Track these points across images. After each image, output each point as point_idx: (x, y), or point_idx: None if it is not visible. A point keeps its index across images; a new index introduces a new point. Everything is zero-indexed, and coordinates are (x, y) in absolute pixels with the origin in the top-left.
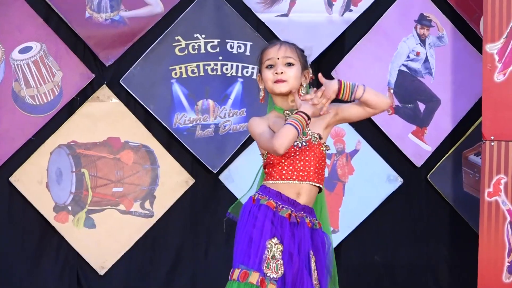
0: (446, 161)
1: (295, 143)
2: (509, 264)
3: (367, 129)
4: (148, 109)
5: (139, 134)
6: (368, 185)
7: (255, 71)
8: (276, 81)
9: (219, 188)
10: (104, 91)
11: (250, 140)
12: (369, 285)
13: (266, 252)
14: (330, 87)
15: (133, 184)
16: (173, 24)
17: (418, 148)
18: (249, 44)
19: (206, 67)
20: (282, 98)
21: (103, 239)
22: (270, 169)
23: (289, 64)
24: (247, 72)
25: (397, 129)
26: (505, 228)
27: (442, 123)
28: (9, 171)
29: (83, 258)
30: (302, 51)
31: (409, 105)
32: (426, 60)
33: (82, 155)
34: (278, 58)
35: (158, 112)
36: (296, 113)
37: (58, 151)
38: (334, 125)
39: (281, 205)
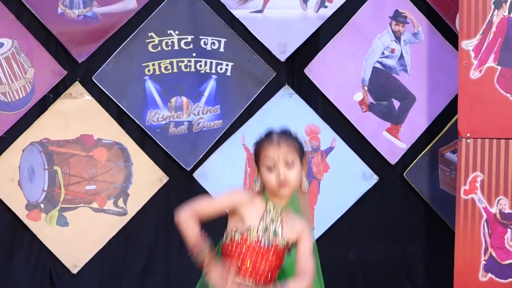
0: (422, 159)
1: (263, 241)
2: (485, 263)
3: (342, 126)
4: (121, 106)
5: (112, 131)
6: (343, 182)
7: (229, 67)
8: (280, 186)
9: (193, 186)
10: (76, 88)
11: (224, 138)
12: (343, 283)
13: None
14: None
15: (106, 182)
16: (146, 21)
17: (392, 145)
18: (223, 40)
19: (180, 64)
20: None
21: (76, 237)
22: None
23: (290, 164)
24: (221, 68)
25: (371, 127)
26: (481, 226)
27: (417, 121)
28: None
29: (55, 257)
30: (300, 143)
31: (384, 103)
32: (401, 57)
33: (54, 153)
34: (278, 158)
35: (131, 109)
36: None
37: (30, 149)
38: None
39: None
